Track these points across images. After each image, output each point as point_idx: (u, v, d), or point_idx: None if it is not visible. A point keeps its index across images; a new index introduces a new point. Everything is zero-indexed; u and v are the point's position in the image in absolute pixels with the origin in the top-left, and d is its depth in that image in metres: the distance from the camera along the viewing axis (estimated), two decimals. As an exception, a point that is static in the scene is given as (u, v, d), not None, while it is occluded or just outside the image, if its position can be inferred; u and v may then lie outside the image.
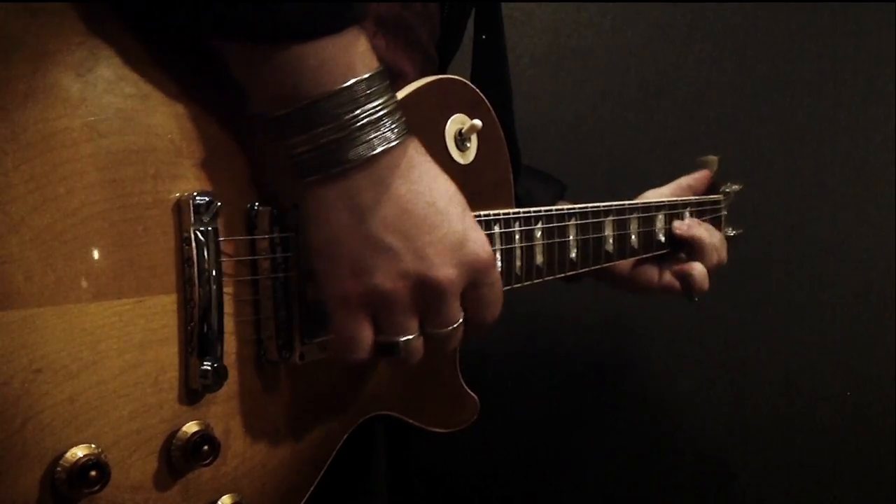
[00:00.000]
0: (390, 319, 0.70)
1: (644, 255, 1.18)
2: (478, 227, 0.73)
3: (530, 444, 1.91)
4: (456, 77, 0.90)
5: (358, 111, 0.65)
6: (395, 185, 0.67)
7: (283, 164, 0.68)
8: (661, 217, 1.19)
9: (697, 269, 1.17)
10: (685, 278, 1.18)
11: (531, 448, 1.92)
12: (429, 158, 0.71)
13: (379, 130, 0.66)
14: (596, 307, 1.76)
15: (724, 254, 1.25)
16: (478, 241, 0.72)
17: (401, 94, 0.83)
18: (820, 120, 1.82)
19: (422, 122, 0.86)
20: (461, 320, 0.73)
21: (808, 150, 1.82)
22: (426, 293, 0.69)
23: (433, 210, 0.69)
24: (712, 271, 1.20)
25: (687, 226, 1.20)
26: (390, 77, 0.68)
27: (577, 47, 1.81)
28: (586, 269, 1.06)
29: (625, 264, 1.21)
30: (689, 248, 1.20)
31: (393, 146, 0.66)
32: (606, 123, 1.83)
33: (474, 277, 0.72)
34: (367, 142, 0.65)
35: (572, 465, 1.90)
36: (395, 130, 0.67)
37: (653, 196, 1.25)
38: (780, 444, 1.83)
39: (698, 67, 1.82)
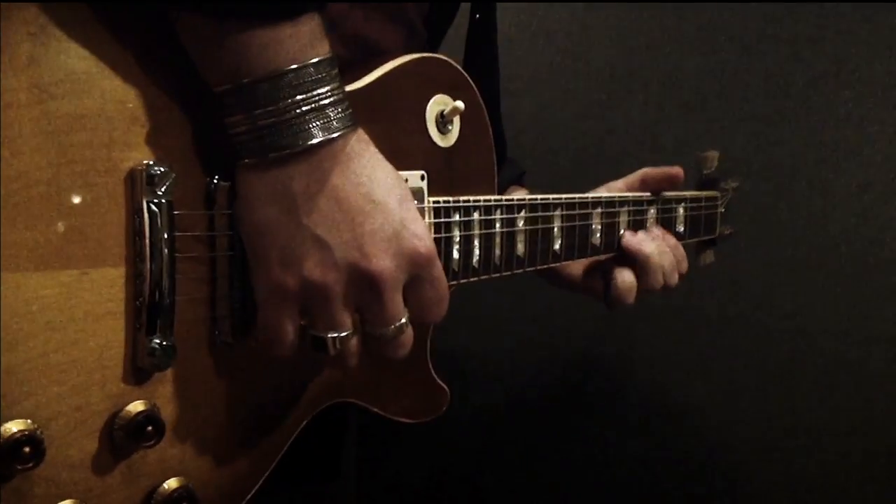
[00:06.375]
0: (321, 313, 0.67)
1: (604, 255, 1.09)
2: (419, 219, 0.69)
3: (509, 437, 1.90)
4: (440, 56, 0.87)
5: (300, 97, 0.62)
6: (331, 177, 0.64)
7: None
8: (623, 212, 1.09)
9: (624, 278, 1.07)
10: (609, 284, 1.08)
11: (508, 441, 1.90)
12: (372, 148, 0.68)
13: (321, 120, 0.63)
14: (586, 303, 1.73)
15: (673, 278, 1.11)
16: (416, 233, 0.68)
17: (380, 71, 0.80)
18: (816, 119, 1.79)
19: (402, 102, 0.83)
20: (405, 319, 0.69)
21: (804, 147, 1.79)
22: (362, 287, 0.66)
23: (367, 201, 0.65)
24: (649, 291, 1.09)
25: (638, 240, 1.08)
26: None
27: (569, 44, 1.79)
28: (569, 260, 1.03)
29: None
30: (634, 260, 1.08)
31: (334, 137, 0.64)
32: (599, 119, 1.82)
33: (414, 272, 0.69)
34: (306, 130, 0.63)
35: (548, 459, 1.89)
36: (339, 121, 0.64)
37: (610, 190, 1.15)
38: (779, 441, 1.81)
39: (694, 63, 1.81)
